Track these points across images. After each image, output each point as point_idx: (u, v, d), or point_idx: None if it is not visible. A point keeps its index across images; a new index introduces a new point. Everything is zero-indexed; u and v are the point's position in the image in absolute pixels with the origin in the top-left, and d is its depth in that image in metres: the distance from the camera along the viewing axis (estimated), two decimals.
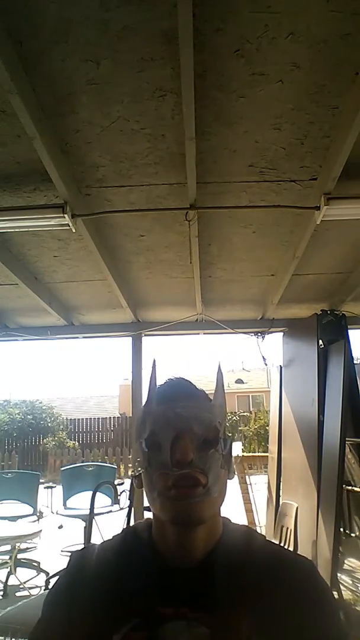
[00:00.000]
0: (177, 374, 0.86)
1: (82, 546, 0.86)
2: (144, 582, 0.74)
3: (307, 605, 0.73)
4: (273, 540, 3.53)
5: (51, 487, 5.60)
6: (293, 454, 4.10)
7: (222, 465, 0.77)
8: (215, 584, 0.72)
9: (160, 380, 0.84)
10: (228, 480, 0.80)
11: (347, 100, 1.74)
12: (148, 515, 0.83)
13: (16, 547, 4.12)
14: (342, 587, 3.42)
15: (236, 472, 0.97)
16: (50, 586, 0.81)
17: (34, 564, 4.56)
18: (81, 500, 5.09)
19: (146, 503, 0.78)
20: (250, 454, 7.73)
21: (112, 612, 0.71)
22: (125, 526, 3.35)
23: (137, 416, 0.87)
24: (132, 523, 3.45)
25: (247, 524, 4.49)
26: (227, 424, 0.84)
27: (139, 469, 0.81)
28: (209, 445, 0.76)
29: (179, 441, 0.74)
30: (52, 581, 0.87)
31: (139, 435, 0.81)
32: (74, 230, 2.37)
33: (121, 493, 4.63)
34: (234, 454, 0.83)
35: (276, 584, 0.74)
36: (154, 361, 0.84)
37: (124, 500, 4.11)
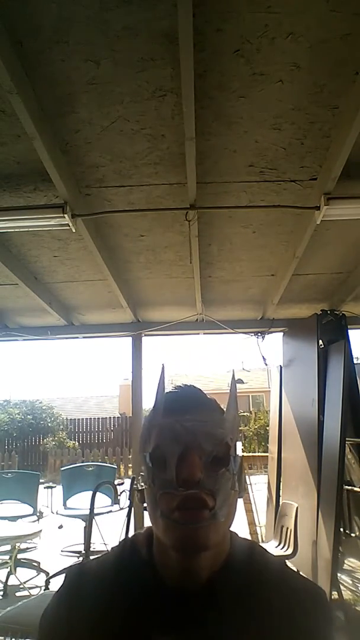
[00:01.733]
0: (186, 382, 0.80)
1: (77, 562, 0.82)
2: (142, 607, 0.69)
3: (314, 636, 0.70)
4: (273, 542, 3.47)
5: (51, 487, 5.60)
6: (293, 454, 4.10)
7: (233, 486, 0.70)
8: (218, 610, 0.67)
9: (167, 387, 0.77)
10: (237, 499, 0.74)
11: (347, 100, 1.74)
12: (149, 521, 0.78)
13: (16, 547, 4.11)
14: (342, 587, 3.42)
15: (246, 491, 0.86)
16: (45, 607, 0.76)
17: (34, 564, 4.56)
18: (81, 500, 5.09)
19: (150, 522, 0.74)
20: (250, 454, 7.73)
21: (106, 637, 0.67)
22: (124, 529, 3.34)
23: (142, 425, 0.79)
24: (132, 523, 3.45)
25: (247, 524, 4.49)
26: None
27: (142, 484, 0.74)
28: (219, 463, 0.69)
29: (186, 458, 0.67)
30: (52, 585, 0.83)
31: (143, 447, 0.75)
32: (74, 230, 2.37)
33: (121, 493, 4.62)
34: None
35: (284, 612, 0.70)
36: (163, 366, 0.77)
37: (124, 500, 4.11)
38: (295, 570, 0.78)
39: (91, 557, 0.90)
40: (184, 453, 0.67)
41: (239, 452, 0.74)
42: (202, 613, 0.67)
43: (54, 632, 0.72)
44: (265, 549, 0.82)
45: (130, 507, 3.49)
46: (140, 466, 0.76)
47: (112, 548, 0.83)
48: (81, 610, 0.71)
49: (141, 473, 0.74)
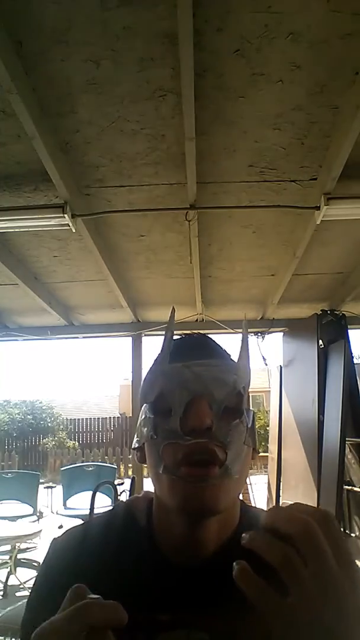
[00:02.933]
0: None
1: (65, 531, 0.71)
2: (138, 581, 0.60)
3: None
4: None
5: (51, 487, 5.60)
6: (293, 454, 4.10)
7: (246, 441, 0.61)
8: (226, 586, 0.54)
9: (172, 335, 0.67)
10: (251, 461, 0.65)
11: (347, 100, 1.74)
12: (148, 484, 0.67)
13: (16, 547, 4.11)
14: None
15: (259, 452, 0.75)
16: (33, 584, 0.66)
17: (34, 564, 4.55)
18: (81, 500, 5.09)
19: (151, 483, 0.64)
20: None
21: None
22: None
23: (145, 374, 0.69)
24: None
25: None
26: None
27: (141, 440, 0.65)
28: (232, 414, 0.60)
29: (194, 405, 0.59)
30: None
31: (144, 398, 0.66)
32: (74, 230, 2.37)
33: (121, 493, 4.63)
34: None
35: None
36: (173, 309, 0.68)
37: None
38: None
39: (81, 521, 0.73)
40: (193, 400, 0.59)
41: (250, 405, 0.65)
42: (207, 590, 0.58)
43: (39, 608, 0.61)
44: None
45: None
46: (139, 421, 0.66)
47: (105, 512, 0.73)
48: (66, 586, 0.54)
49: (142, 429, 0.64)
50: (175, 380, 0.61)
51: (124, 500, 0.65)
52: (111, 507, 0.73)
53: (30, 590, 0.66)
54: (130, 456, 12.76)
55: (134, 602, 0.55)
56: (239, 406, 0.62)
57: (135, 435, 0.68)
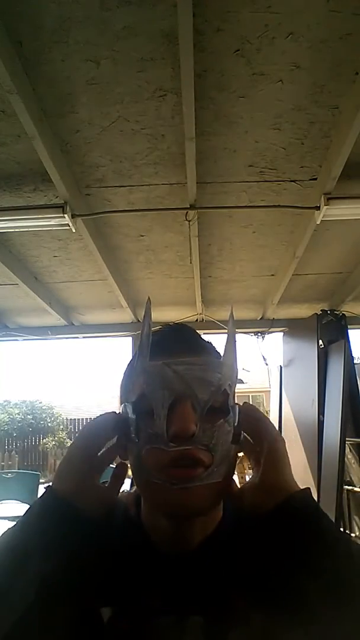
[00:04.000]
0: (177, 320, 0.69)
1: None
2: (130, 570, 0.61)
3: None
4: None
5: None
6: (293, 454, 4.08)
7: (234, 440, 0.60)
8: (213, 573, 0.60)
9: (149, 328, 0.63)
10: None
11: (347, 100, 1.74)
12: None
13: None
14: None
15: (236, 471, 0.79)
16: None
17: None
18: None
19: (135, 486, 0.66)
20: None
21: (97, 589, 0.58)
22: None
23: (124, 371, 0.67)
24: None
25: None
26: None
27: (123, 442, 0.63)
28: (217, 414, 0.59)
29: (177, 408, 0.57)
30: None
31: (125, 397, 0.64)
32: (74, 230, 2.37)
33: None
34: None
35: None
36: (149, 300, 0.64)
37: None
38: None
39: None
40: (175, 402, 0.57)
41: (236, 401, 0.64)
42: (194, 576, 0.59)
43: None
44: None
45: None
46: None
47: None
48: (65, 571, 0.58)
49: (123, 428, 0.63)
50: (157, 379, 0.58)
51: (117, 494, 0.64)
52: None
53: None
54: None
55: (127, 589, 0.59)
56: (224, 405, 0.60)
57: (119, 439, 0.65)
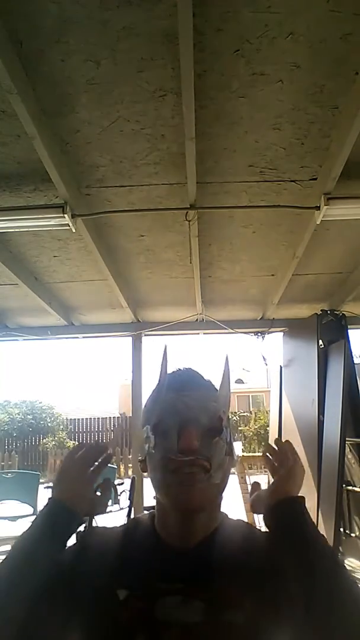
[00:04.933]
0: (185, 364, 0.89)
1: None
2: (144, 559, 0.78)
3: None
4: None
5: (51, 487, 5.59)
6: None
7: (227, 452, 0.80)
8: (210, 565, 0.76)
9: (170, 369, 0.87)
10: (231, 468, 0.84)
11: (347, 100, 1.74)
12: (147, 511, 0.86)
13: None
14: None
15: (237, 471, 0.98)
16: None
17: None
18: None
19: (146, 503, 0.82)
20: (250, 454, 7.73)
21: (114, 575, 0.76)
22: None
23: (146, 401, 0.89)
24: None
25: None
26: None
27: (140, 457, 0.85)
28: (214, 433, 0.78)
29: (184, 429, 0.76)
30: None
31: (147, 420, 0.83)
32: (74, 230, 2.37)
33: (121, 493, 4.62)
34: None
35: (270, 567, 0.76)
36: (165, 348, 0.86)
37: (124, 500, 4.11)
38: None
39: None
40: (183, 425, 0.77)
41: (230, 422, 0.86)
42: (196, 567, 0.75)
43: (67, 565, 0.79)
44: (251, 524, 0.91)
45: (130, 507, 3.49)
46: (141, 439, 0.85)
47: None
48: (89, 562, 0.80)
49: (145, 444, 0.82)
50: (170, 408, 0.79)
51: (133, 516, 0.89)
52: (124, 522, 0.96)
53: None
54: (130, 456, 12.76)
55: (141, 575, 0.76)
56: (219, 426, 0.80)
57: (140, 450, 0.88)
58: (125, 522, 0.91)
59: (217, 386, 0.87)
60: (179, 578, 0.73)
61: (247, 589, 0.72)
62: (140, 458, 0.86)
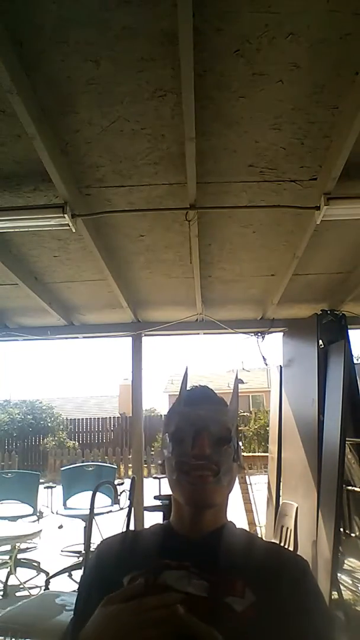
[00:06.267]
0: (202, 383, 1.03)
1: (87, 544, 0.97)
2: (158, 548, 0.88)
3: (299, 598, 0.80)
4: (273, 541, 3.55)
5: (51, 487, 5.58)
6: (293, 454, 4.10)
7: (235, 459, 0.90)
8: (216, 554, 0.84)
9: (186, 386, 1.00)
10: (237, 472, 0.94)
11: (347, 100, 1.74)
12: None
13: (16, 547, 4.11)
14: (342, 587, 3.41)
15: (244, 466, 1.03)
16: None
17: (34, 564, 4.56)
18: (81, 500, 5.08)
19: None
20: (250, 454, 7.73)
21: (127, 566, 0.84)
22: (125, 526, 3.36)
23: (168, 412, 1.02)
24: (132, 523, 3.45)
25: (247, 524, 4.49)
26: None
27: (159, 461, 0.98)
28: (223, 442, 0.89)
29: (198, 438, 0.87)
30: (52, 585, 0.91)
31: (166, 429, 0.95)
32: (74, 230, 2.37)
33: (121, 493, 4.62)
34: None
35: (271, 571, 0.82)
36: (186, 369, 1.03)
37: (124, 500, 4.11)
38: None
39: None
40: (197, 434, 0.88)
41: (238, 433, 0.96)
42: (203, 555, 0.83)
43: (94, 566, 0.92)
44: (254, 534, 0.99)
45: (130, 507, 3.49)
46: (161, 445, 0.98)
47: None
48: (111, 557, 0.90)
49: (163, 449, 0.95)
50: (187, 419, 0.91)
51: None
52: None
53: (81, 578, 0.96)
54: (130, 456, 12.75)
55: (154, 555, 0.85)
56: (228, 436, 0.91)
57: (159, 455, 1.01)
58: (129, 523, 0.98)
59: (228, 402, 0.99)
60: (187, 559, 0.81)
61: (247, 584, 0.79)
62: (159, 462, 0.99)
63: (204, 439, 0.87)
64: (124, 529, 1.03)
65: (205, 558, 0.82)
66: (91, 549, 3.63)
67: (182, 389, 0.99)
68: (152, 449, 13.84)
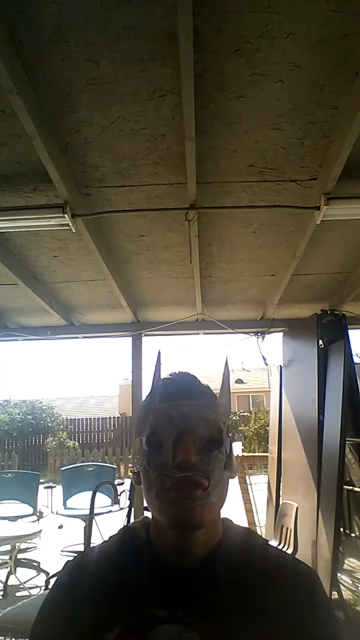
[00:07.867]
0: (181, 368, 0.81)
1: (81, 551, 0.87)
2: (141, 583, 0.70)
3: (306, 616, 0.69)
4: (273, 542, 3.53)
5: (51, 487, 5.59)
6: (293, 454, 4.10)
7: (226, 466, 0.72)
8: (212, 588, 0.69)
9: (164, 374, 0.79)
10: (229, 480, 0.76)
11: (347, 100, 1.74)
12: (147, 514, 0.79)
13: (16, 547, 4.11)
14: (342, 587, 3.41)
15: (237, 471, 0.90)
16: (49, 588, 0.77)
17: (34, 564, 4.56)
18: (81, 500, 5.09)
19: (146, 503, 0.75)
20: (250, 454, 7.73)
21: (107, 613, 0.68)
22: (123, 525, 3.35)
23: (138, 410, 0.81)
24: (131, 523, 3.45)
25: (247, 524, 4.49)
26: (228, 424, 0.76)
27: (138, 466, 0.76)
28: (212, 446, 0.71)
29: (181, 442, 0.69)
30: (52, 581, 0.83)
31: (140, 431, 0.76)
32: (74, 230, 2.37)
33: (121, 493, 4.63)
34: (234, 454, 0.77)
35: (276, 592, 0.70)
36: (159, 353, 0.78)
37: (124, 500, 4.11)
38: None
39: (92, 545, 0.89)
40: (179, 437, 0.69)
41: (230, 433, 0.77)
42: (196, 590, 0.69)
43: (55, 609, 0.73)
44: (257, 534, 0.83)
45: (130, 507, 3.49)
46: (136, 449, 0.78)
47: (111, 536, 0.83)
48: (83, 591, 0.72)
49: (137, 456, 0.76)
50: (165, 418, 0.71)
51: (127, 525, 0.79)
52: (116, 532, 0.83)
53: (44, 602, 0.76)
54: (130, 456, 12.75)
55: (137, 599, 0.68)
56: (218, 438, 0.72)
57: (134, 462, 0.79)
58: (118, 533, 0.82)
59: (216, 391, 0.79)
60: (177, 603, 0.67)
61: (251, 618, 0.67)
62: (133, 470, 0.78)
63: (189, 443, 0.68)
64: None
65: (197, 597, 0.68)
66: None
67: (156, 379, 0.76)
68: None
